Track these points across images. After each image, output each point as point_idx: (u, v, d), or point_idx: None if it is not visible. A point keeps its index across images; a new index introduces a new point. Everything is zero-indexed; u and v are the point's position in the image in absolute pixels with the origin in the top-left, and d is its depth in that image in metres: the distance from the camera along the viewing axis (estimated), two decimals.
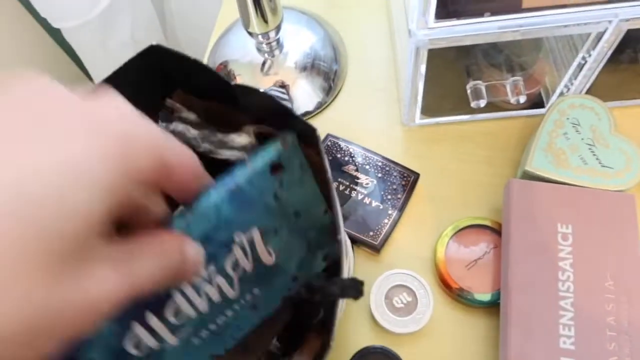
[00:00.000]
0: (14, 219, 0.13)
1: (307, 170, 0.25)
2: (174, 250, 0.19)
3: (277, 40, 0.50)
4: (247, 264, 0.24)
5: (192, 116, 0.31)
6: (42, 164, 0.14)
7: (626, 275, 0.36)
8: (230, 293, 0.24)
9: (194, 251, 0.20)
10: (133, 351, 0.22)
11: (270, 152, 0.23)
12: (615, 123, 0.42)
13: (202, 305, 0.23)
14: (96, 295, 0.16)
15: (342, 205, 0.45)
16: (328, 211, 0.27)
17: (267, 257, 0.25)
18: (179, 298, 0.22)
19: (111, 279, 0.16)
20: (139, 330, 0.22)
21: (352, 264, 0.40)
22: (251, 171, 0.22)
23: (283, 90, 0.51)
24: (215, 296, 0.24)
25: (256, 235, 0.24)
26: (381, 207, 0.45)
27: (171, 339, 0.23)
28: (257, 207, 0.23)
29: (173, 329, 0.23)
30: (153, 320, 0.22)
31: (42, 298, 0.14)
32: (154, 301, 0.22)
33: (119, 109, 0.17)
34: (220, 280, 0.23)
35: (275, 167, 0.23)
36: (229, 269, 0.24)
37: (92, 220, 0.15)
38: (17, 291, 0.14)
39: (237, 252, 0.24)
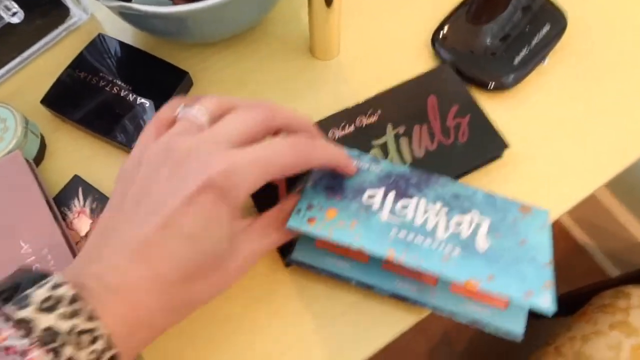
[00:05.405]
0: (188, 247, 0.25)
1: None
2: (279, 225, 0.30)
3: None
4: (466, 232, 0.31)
5: None
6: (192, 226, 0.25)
7: (39, 230, 0.34)
8: (440, 233, 0.30)
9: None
10: (365, 198, 0.32)
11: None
12: None
13: (417, 219, 0.31)
14: (245, 262, 0.28)
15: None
16: None
17: (482, 244, 0.30)
18: (413, 202, 0.32)
19: (253, 250, 0.28)
20: (377, 195, 0.32)
21: None
22: None
23: None
24: (430, 224, 0.31)
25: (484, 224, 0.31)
26: None
27: (383, 216, 0.31)
28: None
29: (392, 210, 0.31)
30: (389, 197, 0.32)
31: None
32: (401, 189, 0.32)
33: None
34: (442, 220, 0.31)
35: None
36: (453, 222, 0.31)
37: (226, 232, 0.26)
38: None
39: (468, 219, 0.31)
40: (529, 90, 0.42)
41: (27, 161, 0.37)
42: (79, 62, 0.42)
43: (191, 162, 0.25)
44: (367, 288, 0.33)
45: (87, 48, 0.43)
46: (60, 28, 0.45)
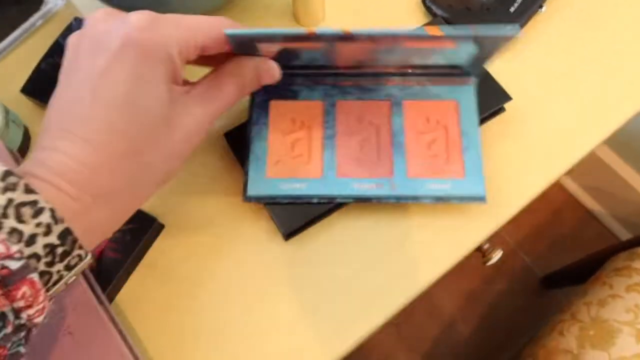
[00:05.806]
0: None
1: None
2: (248, 70, 0.28)
3: None
4: None
5: None
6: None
7: None
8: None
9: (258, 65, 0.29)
10: None
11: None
12: None
13: None
14: (192, 127, 0.26)
15: None
16: None
17: None
18: None
19: (198, 115, 0.26)
20: None
21: None
22: None
23: None
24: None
25: None
26: None
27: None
28: None
29: None
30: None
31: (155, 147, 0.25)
32: None
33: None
34: None
35: None
36: None
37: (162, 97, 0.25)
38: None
39: None
40: (526, 39, 0.40)
41: (11, 151, 0.36)
42: (57, 49, 0.41)
43: (110, 29, 0.24)
44: (329, 201, 0.33)
45: (63, 34, 0.41)
46: (36, 16, 0.43)
